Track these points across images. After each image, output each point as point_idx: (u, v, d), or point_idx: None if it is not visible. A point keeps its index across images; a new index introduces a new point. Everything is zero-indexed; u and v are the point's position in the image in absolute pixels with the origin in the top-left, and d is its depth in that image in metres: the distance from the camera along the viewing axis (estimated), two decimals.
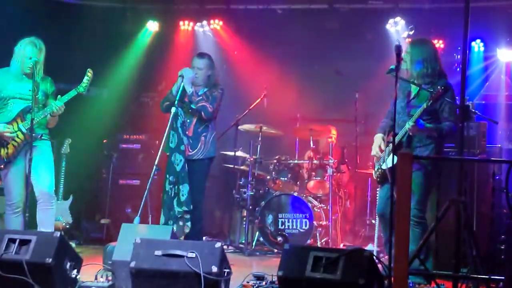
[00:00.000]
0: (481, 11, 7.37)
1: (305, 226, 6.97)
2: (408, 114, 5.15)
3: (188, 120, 5.93)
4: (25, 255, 4.25)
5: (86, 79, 5.49)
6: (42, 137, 5.47)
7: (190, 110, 5.91)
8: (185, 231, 5.78)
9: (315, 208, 7.07)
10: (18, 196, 5.41)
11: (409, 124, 5.04)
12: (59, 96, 5.44)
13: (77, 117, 7.02)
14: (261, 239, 7.10)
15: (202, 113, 5.87)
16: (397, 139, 4.89)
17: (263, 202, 7.14)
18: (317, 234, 6.99)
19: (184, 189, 5.83)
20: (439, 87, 4.96)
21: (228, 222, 7.93)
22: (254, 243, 7.14)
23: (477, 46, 8.27)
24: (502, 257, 4.81)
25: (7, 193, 5.48)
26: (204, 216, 6.27)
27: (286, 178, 7.37)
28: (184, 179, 5.85)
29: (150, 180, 5.53)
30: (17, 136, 5.36)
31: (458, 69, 7.07)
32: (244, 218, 7.26)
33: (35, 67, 5.37)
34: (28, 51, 5.40)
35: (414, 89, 5.28)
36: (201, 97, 5.92)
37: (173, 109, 5.70)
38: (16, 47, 5.47)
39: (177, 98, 5.74)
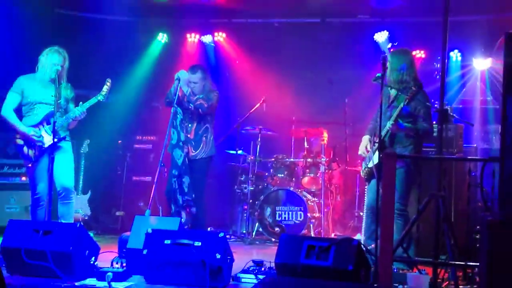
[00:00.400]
0: (458, 24, 7.35)
1: (300, 217, 6.99)
2: (389, 117, 5.18)
3: (189, 125, 6.00)
4: (48, 244, 4.29)
5: (105, 88, 5.51)
6: (65, 139, 5.51)
7: (189, 109, 5.93)
8: (192, 213, 5.83)
9: (309, 201, 7.07)
10: (42, 190, 5.43)
11: (390, 124, 5.09)
12: (80, 102, 5.46)
13: (95, 120, 6.97)
14: (260, 229, 7.09)
15: (200, 110, 5.91)
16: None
17: (262, 196, 7.14)
18: (311, 225, 6.99)
19: (186, 180, 5.89)
20: (413, 88, 5.06)
21: (230, 214, 7.93)
22: (254, 233, 7.13)
23: (455, 56, 8.28)
24: (477, 245, 4.82)
25: (32, 188, 5.50)
26: (208, 209, 6.33)
27: (282, 175, 7.38)
28: (186, 172, 5.91)
29: (156, 176, 5.57)
30: (43, 138, 5.40)
31: (437, 77, 7.04)
32: (245, 211, 7.26)
33: (61, 74, 5.43)
34: (54, 58, 5.43)
35: (393, 92, 5.33)
36: (198, 97, 5.98)
37: (172, 109, 5.77)
38: (41, 56, 5.49)
39: (175, 99, 5.78)
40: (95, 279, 4.28)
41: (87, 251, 4.41)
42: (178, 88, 5.83)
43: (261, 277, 4.40)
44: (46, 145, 5.39)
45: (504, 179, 3.30)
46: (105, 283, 4.15)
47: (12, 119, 5.40)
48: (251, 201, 7.17)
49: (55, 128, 5.23)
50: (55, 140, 5.27)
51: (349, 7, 7.88)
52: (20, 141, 5.44)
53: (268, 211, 7.07)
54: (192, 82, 6.00)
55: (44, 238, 4.33)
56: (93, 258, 4.46)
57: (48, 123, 5.40)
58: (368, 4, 7.73)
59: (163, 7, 8.12)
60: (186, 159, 5.92)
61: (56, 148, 5.35)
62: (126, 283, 4.24)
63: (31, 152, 5.42)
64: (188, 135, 5.96)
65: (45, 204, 5.42)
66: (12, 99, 5.43)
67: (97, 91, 5.54)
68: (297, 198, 7.04)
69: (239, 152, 7.47)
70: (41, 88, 5.47)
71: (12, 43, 6.63)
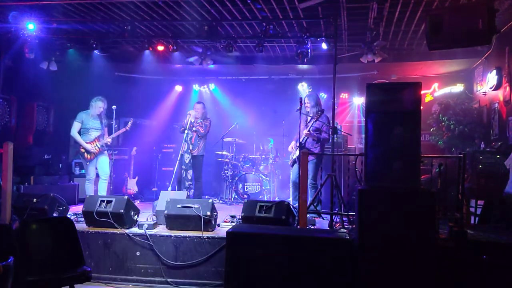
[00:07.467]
0: (344, 78, 7.52)
1: (258, 189, 6.93)
2: (307, 130, 5.20)
3: (192, 136, 5.91)
4: (109, 208, 4.18)
5: (129, 124, 5.66)
6: (105, 149, 5.57)
7: (193, 130, 5.87)
8: (191, 191, 5.77)
9: (263, 180, 7.03)
10: (92, 175, 5.48)
11: (305, 132, 5.12)
12: (107, 137, 5.56)
13: (139, 135, 6.89)
14: (236, 196, 7.02)
15: (197, 133, 5.86)
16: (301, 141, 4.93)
17: (236, 177, 7.05)
18: (264, 193, 6.94)
19: (190, 172, 5.79)
20: (319, 113, 5.10)
21: (219, 187, 7.82)
22: (232, 198, 7.05)
23: (344, 95, 8.37)
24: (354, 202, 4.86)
25: (87, 174, 5.53)
26: (205, 185, 6.22)
27: (248, 165, 7.31)
28: (190, 167, 5.81)
29: (175, 168, 5.52)
30: (95, 149, 5.43)
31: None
32: (227, 185, 7.16)
33: (102, 112, 5.49)
34: (99, 103, 5.46)
35: (308, 117, 5.35)
36: (198, 124, 5.89)
37: (185, 132, 5.71)
38: (92, 100, 5.50)
39: (187, 127, 5.73)
40: (137, 228, 4.19)
41: (132, 212, 4.31)
42: (189, 119, 5.78)
43: (234, 224, 4.37)
44: (96, 152, 5.42)
45: (367, 165, 3.33)
46: (142, 230, 4.06)
47: (78, 138, 5.39)
48: (230, 180, 7.08)
49: (101, 144, 5.38)
50: (100, 150, 5.42)
51: (284, 70, 7.90)
52: (83, 150, 5.43)
53: (240, 185, 7.00)
54: (197, 109, 5.94)
55: (107, 205, 4.22)
56: (136, 216, 4.35)
57: (99, 141, 5.46)
58: (294, 68, 7.76)
59: (179, 70, 7.99)
60: (191, 159, 5.82)
61: (100, 154, 5.44)
62: (155, 230, 4.16)
63: (88, 156, 5.43)
64: (192, 143, 5.89)
65: (92, 183, 5.46)
66: (76, 126, 5.41)
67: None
68: (256, 178, 6.98)
69: (224, 152, 7.39)
70: (92, 120, 5.45)
71: (85, 92, 6.30)
